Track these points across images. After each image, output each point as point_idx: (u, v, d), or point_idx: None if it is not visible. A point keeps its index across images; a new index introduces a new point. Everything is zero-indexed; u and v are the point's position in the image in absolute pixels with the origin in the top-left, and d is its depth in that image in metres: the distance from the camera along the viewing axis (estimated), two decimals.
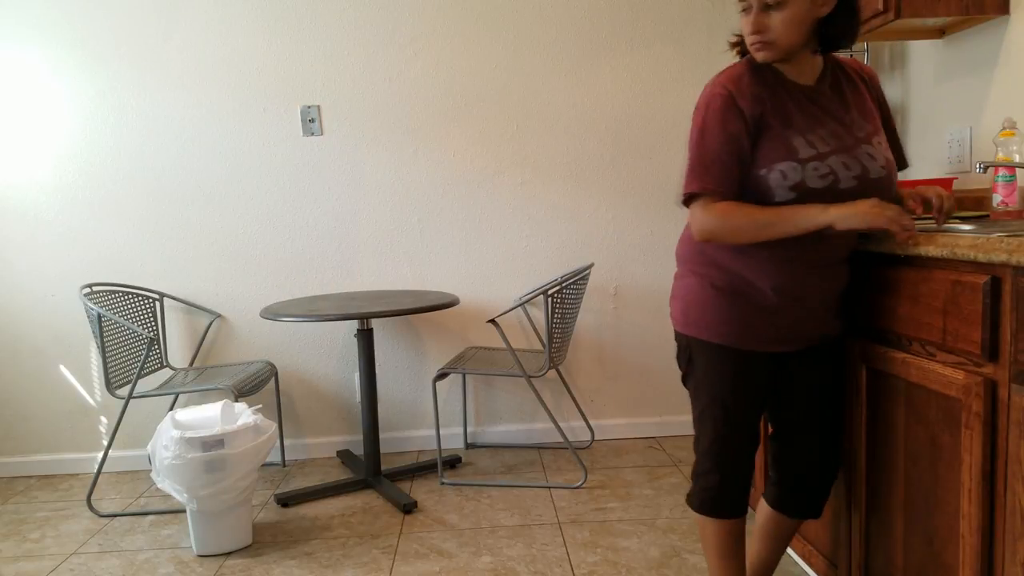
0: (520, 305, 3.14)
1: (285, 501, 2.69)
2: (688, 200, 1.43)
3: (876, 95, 1.49)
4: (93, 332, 2.66)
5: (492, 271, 3.20)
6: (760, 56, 1.39)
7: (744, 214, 1.37)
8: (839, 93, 1.44)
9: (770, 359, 1.51)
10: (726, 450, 1.54)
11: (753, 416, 1.54)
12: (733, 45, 1.51)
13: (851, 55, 2.55)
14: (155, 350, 2.99)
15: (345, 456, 3.14)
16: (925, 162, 2.34)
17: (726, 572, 1.62)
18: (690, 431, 3.29)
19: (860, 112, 1.44)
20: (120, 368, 2.73)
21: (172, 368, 3.07)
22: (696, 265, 1.51)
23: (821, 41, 1.40)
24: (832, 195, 1.36)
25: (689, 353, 1.55)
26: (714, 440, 1.54)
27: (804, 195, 1.37)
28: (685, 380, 1.59)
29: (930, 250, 1.27)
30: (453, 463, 3.04)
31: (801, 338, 1.50)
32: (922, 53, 2.33)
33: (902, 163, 1.54)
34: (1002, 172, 1.86)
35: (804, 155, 1.37)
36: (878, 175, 1.39)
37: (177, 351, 3.14)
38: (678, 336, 1.57)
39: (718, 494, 1.56)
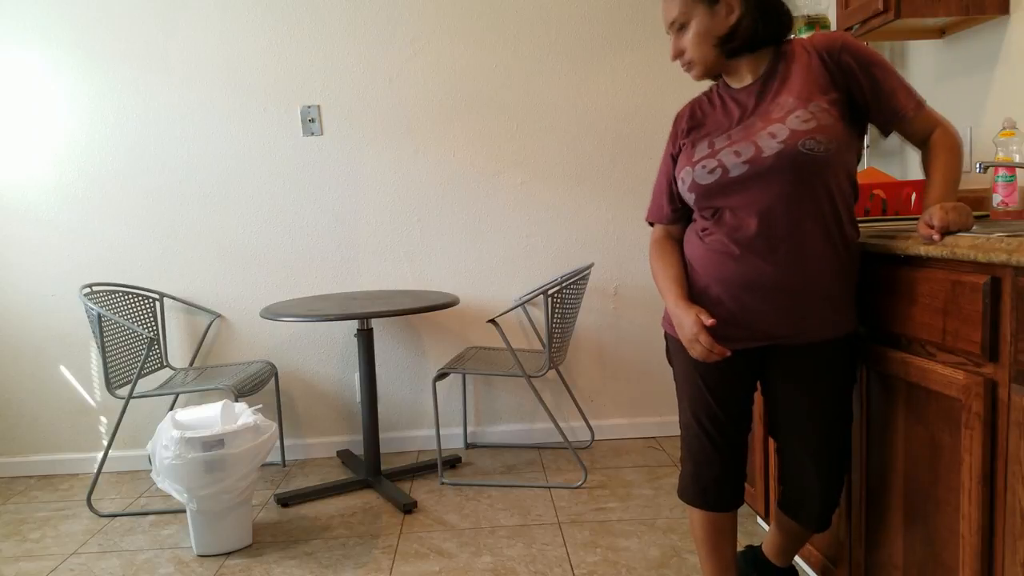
0: (520, 305, 3.14)
1: (285, 501, 2.69)
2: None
3: (835, 60, 1.38)
4: (93, 332, 2.66)
5: (492, 271, 3.20)
6: (692, 76, 1.50)
7: (653, 259, 1.60)
8: (770, 82, 1.42)
9: (739, 357, 1.49)
10: (694, 441, 1.57)
11: (720, 412, 1.52)
12: None
13: None
14: (155, 350, 2.99)
15: (345, 456, 3.14)
16: None
17: (710, 565, 1.62)
18: None
19: (791, 91, 1.38)
20: (120, 368, 2.73)
21: (172, 368, 3.08)
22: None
23: (745, 44, 1.41)
24: (724, 186, 1.41)
25: (667, 347, 1.65)
26: (684, 430, 1.60)
27: (701, 193, 1.45)
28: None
29: (930, 250, 1.27)
30: (453, 463, 3.04)
31: (760, 333, 1.44)
32: (922, 53, 2.33)
33: (899, 111, 1.38)
34: (1002, 172, 1.85)
35: (697, 156, 1.46)
36: (773, 151, 1.34)
37: (177, 351, 3.14)
38: (664, 332, 1.67)
39: (691, 483, 1.59)
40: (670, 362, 1.65)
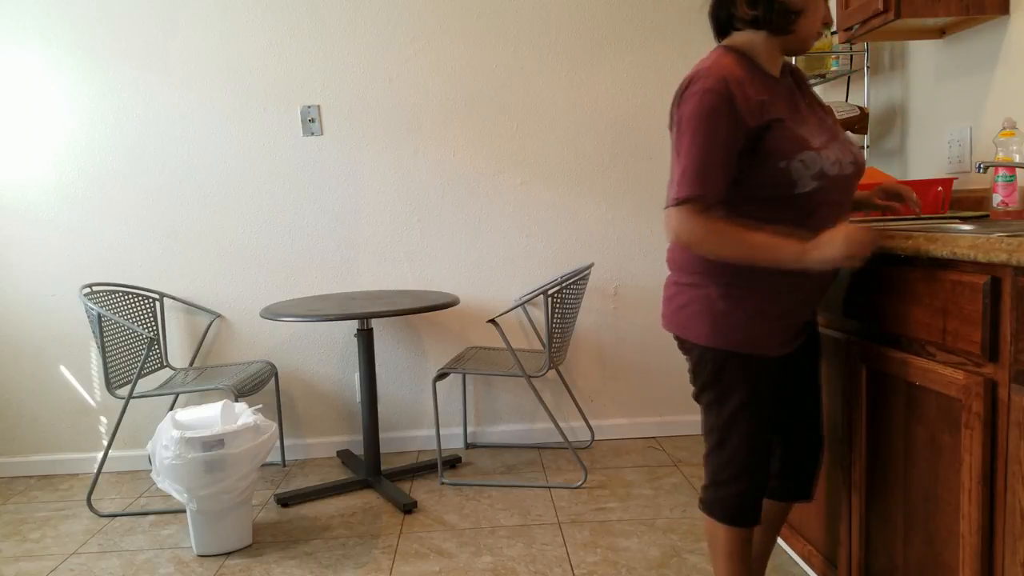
0: (520, 305, 3.14)
1: (285, 501, 2.69)
2: (679, 203, 1.33)
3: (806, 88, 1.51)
4: (93, 332, 2.66)
5: (492, 271, 3.20)
6: (816, 43, 1.42)
7: (733, 237, 1.31)
8: (799, 85, 1.48)
9: (780, 359, 1.50)
10: (755, 457, 1.49)
11: (774, 418, 1.54)
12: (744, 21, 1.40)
13: (851, 55, 2.55)
14: (155, 350, 2.99)
15: (345, 456, 3.14)
16: (925, 162, 2.34)
17: (732, 573, 1.61)
18: (690, 431, 3.28)
19: (818, 104, 1.49)
20: (120, 368, 2.73)
21: (172, 368, 3.07)
22: (715, 275, 1.42)
23: None
24: (837, 182, 1.38)
25: (720, 365, 1.45)
26: (747, 448, 1.48)
27: (825, 184, 1.35)
28: (701, 393, 1.51)
29: (930, 250, 1.27)
30: (453, 463, 3.04)
31: (802, 334, 1.52)
32: (922, 53, 2.33)
33: None
34: (1002, 172, 1.86)
35: (816, 143, 1.36)
36: (862, 157, 1.44)
37: (177, 351, 3.14)
38: (704, 351, 1.46)
39: (743, 501, 1.51)
40: (712, 381, 1.47)
